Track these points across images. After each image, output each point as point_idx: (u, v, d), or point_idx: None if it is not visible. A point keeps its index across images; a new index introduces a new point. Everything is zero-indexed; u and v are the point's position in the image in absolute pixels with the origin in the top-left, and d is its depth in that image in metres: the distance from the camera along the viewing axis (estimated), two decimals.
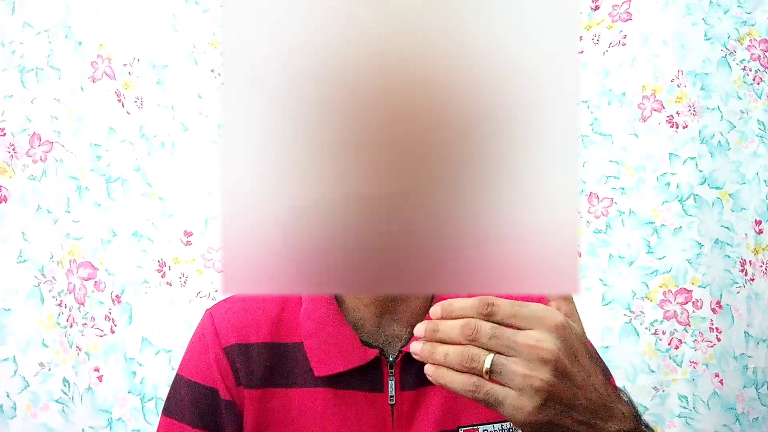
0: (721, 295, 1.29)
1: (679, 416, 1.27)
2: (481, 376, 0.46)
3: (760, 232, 1.32)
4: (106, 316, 1.24)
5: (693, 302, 1.28)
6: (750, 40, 1.36)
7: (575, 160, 0.48)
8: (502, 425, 0.66)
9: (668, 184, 1.32)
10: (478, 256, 0.47)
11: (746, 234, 1.31)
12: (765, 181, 1.33)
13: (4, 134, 1.21)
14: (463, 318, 0.47)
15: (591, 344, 0.72)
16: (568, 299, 0.52)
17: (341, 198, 0.46)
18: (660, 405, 1.27)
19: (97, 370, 1.22)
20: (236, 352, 0.67)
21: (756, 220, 1.32)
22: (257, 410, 0.65)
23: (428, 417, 0.65)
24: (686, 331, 1.28)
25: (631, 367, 1.28)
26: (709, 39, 1.35)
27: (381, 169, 0.46)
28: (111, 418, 1.21)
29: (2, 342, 1.16)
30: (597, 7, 1.40)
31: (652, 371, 1.28)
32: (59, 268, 1.22)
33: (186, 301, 1.28)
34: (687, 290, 1.29)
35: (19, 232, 1.20)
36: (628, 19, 1.37)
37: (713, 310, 1.28)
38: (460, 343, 0.47)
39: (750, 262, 1.31)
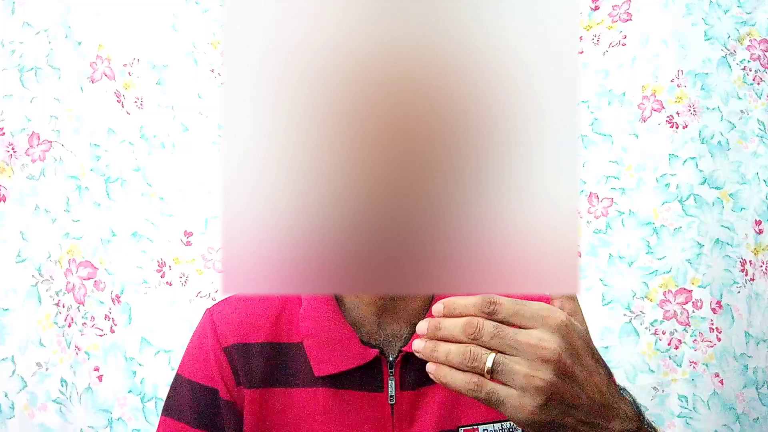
0: (721, 295, 1.29)
1: (678, 416, 1.27)
2: (482, 375, 0.46)
3: (760, 232, 1.32)
4: (106, 315, 1.24)
5: (693, 302, 1.28)
6: (750, 40, 1.36)
7: (575, 160, 0.48)
8: (502, 425, 0.66)
9: (668, 184, 1.32)
10: (478, 256, 0.47)
11: (746, 234, 1.31)
12: (765, 181, 1.33)
13: (3, 134, 1.21)
14: (465, 316, 0.47)
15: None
16: (572, 298, 0.52)
17: (341, 198, 0.46)
18: (660, 405, 1.27)
19: (97, 369, 1.22)
20: (236, 352, 0.67)
21: (756, 220, 1.32)
22: (257, 410, 0.65)
23: (428, 417, 0.65)
24: (686, 331, 1.28)
25: (631, 367, 1.28)
26: (709, 39, 1.35)
27: (381, 169, 0.46)
28: (111, 418, 1.21)
29: (1, 342, 1.16)
30: (597, 8, 1.40)
31: (652, 371, 1.28)
32: (57, 267, 1.22)
33: (186, 301, 1.28)
34: (687, 290, 1.29)
35: (17, 231, 1.20)
36: (628, 20, 1.37)
37: (713, 310, 1.28)
38: (462, 342, 0.47)
39: (750, 262, 1.31)
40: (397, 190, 0.46)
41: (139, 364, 1.24)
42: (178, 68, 1.34)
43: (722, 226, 1.31)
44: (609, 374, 0.51)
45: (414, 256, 0.47)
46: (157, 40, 1.33)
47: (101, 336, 1.23)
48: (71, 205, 1.24)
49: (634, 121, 1.35)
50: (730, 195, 1.32)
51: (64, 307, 1.21)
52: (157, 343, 1.25)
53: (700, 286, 1.28)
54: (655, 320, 1.29)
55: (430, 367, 0.48)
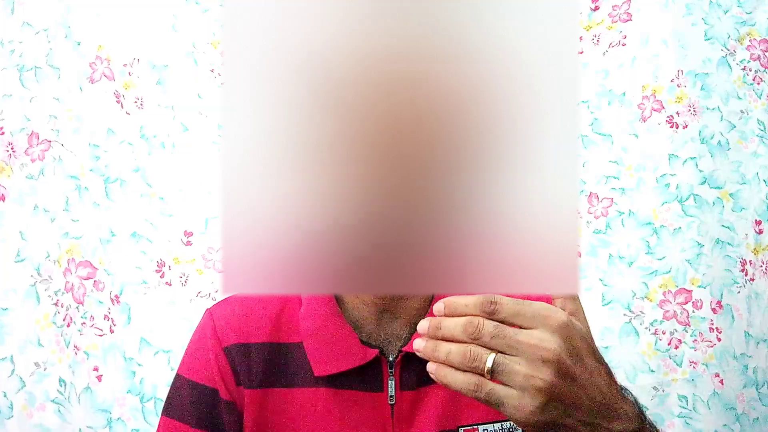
0: (721, 295, 1.29)
1: (678, 416, 1.27)
2: (482, 375, 0.46)
3: (761, 232, 1.32)
4: (105, 316, 1.24)
5: (693, 302, 1.28)
6: (750, 40, 1.36)
7: (575, 160, 0.48)
8: (502, 425, 0.66)
9: (668, 184, 1.32)
10: (478, 256, 0.47)
11: (746, 234, 1.31)
12: (765, 181, 1.33)
13: (3, 133, 1.21)
14: (466, 315, 0.47)
15: None
16: (574, 298, 0.52)
17: (341, 198, 0.46)
18: (660, 405, 1.27)
19: (96, 369, 1.22)
20: (236, 352, 0.67)
21: (756, 220, 1.32)
22: (257, 410, 0.65)
23: (428, 416, 0.65)
24: (686, 331, 1.28)
25: (631, 367, 1.28)
26: (709, 39, 1.35)
27: (381, 169, 0.46)
28: (110, 418, 1.21)
29: (0, 342, 1.16)
30: (597, 8, 1.40)
31: (652, 371, 1.28)
32: (56, 267, 1.22)
33: (186, 300, 1.28)
34: (687, 290, 1.29)
35: (17, 231, 1.20)
36: (628, 20, 1.37)
37: (713, 310, 1.28)
38: (462, 341, 0.47)
39: (750, 261, 1.31)
40: (396, 190, 0.46)
41: (139, 365, 1.24)
42: (178, 68, 1.34)
43: (722, 226, 1.31)
44: (610, 374, 0.50)
45: (414, 256, 0.47)
46: (157, 40, 1.33)
47: (101, 336, 1.23)
48: (70, 204, 1.24)
49: (634, 121, 1.35)
50: (730, 195, 1.32)
51: (62, 306, 1.21)
52: (157, 344, 1.25)
53: (700, 286, 1.28)
54: (655, 320, 1.29)
55: (430, 367, 0.48)
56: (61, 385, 1.19)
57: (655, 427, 0.54)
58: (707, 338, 1.27)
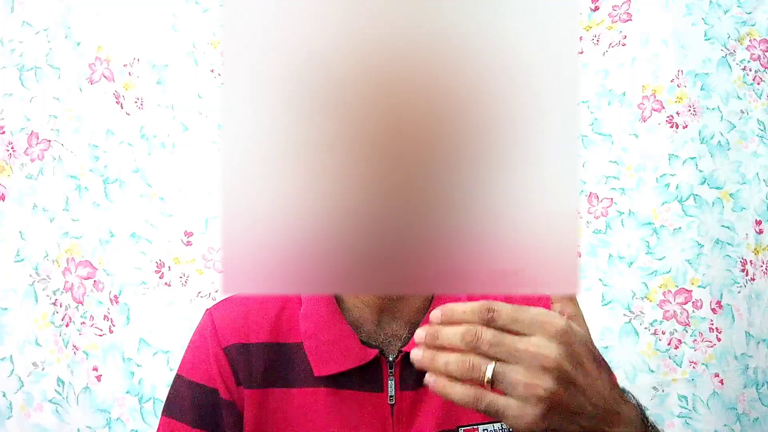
0: (721, 295, 1.29)
1: (678, 416, 1.27)
2: (482, 385, 0.45)
3: (761, 232, 1.32)
4: (105, 315, 1.24)
5: (693, 302, 1.28)
6: (750, 40, 1.36)
7: (575, 160, 0.48)
8: (501, 425, 0.66)
9: (668, 184, 1.32)
10: (478, 256, 0.47)
11: (747, 234, 1.31)
12: (765, 181, 1.33)
13: (4, 132, 1.21)
14: (463, 323, 0.47)
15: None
16: (572, 301, 0.51)
17: (341, 198, 0.46)
18: (659, 405, 1.27)
19: (95, 369, 1.22)
20: (236, 352, 0.67)
21: (756, 219, 1.32)
22: (257, 410, 0.65)
23: (428, 416, 0.65)
24: (686, 331, 1.28)
25: (631, 367, 1.28)
26: (709, 39, 1.35)
27: (381, 169, 0.46)
28: (110, 418, 1.21)
29: (0, 342, 1.16)
30: (597, 8, 1.40)
31: (652, 371, 1.28)
32: (54, 266, 1.21)
33: (186, 301, 1.28)
34: (687, 290, 1.29)
35: (16, 231, 1.20)
36: (627, 20, 1.37)
37: (713, 310, 1.28)
38: (460, 350, 0.46)
39: (751, 261, 1.31)
40: (396, 190, 0.46)
41: (138, 365, 1.24)
42: (178, 68, 1.34)
43: (722, 226, 1.31)
44: (611, 377, 0.50)
45: (414, 256, 0.47)
46: (157, 40, 1.33)
47: (100, 336, 1.23)
48: (70, 204, 1.24)
49: (634, 121, 1.35)
50: (730, 195, 1.32)
51: (61, 306, 1.21)
52: (156, 344, 1.25)
53: (699, 286, 1.28)
54: (655, 320, 1.29)
55: (428, 378, 0.47)
56: (59, 385, 1.19)
57: (657, 429, 0.54)
58: (707, 338, 1.27)
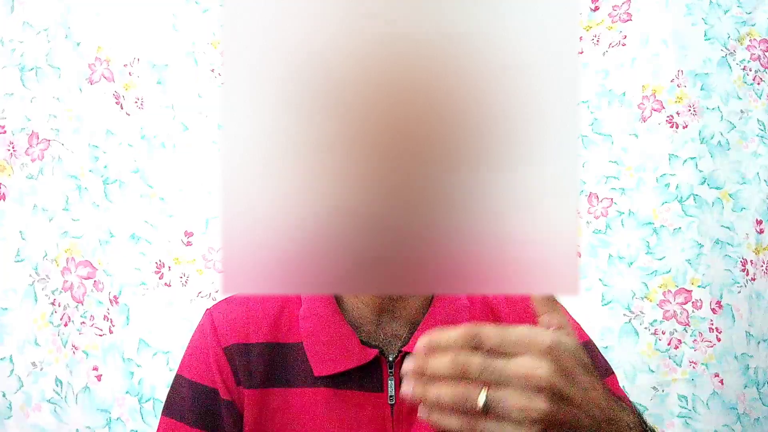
0: (721, 295, 1.29)
1: (678, 416, 1.27)
2: (476, 414, 0.44)
3: (761, 231, 1.32)
4: (104, 316, 1.24)
5: (693, 302, 1.28)
6: (750, 40, 1.36)
7: (575, 160, 0.48)
8: None
9: (668, 184, 1.32)
10: (477, 256, 0.47)
11: (747, 234, 1.31)
12: (765, 181, 1.33)
13: (4, 132, 1.21)
14: (450, 351, 0.46)
15: (591, 341, 0.72)
16: (558, 311, 0.51)
17: (341, 198, 0.46)
18: (659, 405, 1.27)
19: (96, 369, 1.22)
20: (236, 352, 0.67)
21: (757, 219, 1.32)
22: (257, 410, 0.65)
23: None
24: (686, 331, 1.28)
25: (631, 367, 1.28)
26: (709, 39, 1.35)
27: (381, 169, 0.46)
28: (110, 418, 1.21)
29: (0, 342, 1.16)
30: (597, 8, 1.40)
31: (652, 371, 1.28)
32: (53, 266, 1.21)
33: (186, 301, 1.28)
34: (686, 290, 1.29)
35: (16, 230, 1.20)
36: (628, 20, 1.37)
37: (713, 310, 1.28)
38: (451, 380, 0.45)
39: (751, 261, 1.31)
40: (396, 190, 0.46)
41: (137, 365, 1.24)
42: (178, 68, 1.34)
43: (722, 226, 1.31)
44: (605, 386, 0.49)
45: (414, 256, 0.47)
46: (157, 40, 1.33)
47: (101, 336, 1.23)
48: (70, 204, 1.24)
49: (634, 121, 1.35)
50: (730, 195, 1.32)
51: (60, 306, 1.21)
52: (155, 345, 1.25)
53: (699, 286, 1.28)
54: (655, 320, 1.29)
55: (422, 413, 0.46)
56: (57, 385, 1.19)
57: (655, 431, 0.54)
58: (707, 338, 1.28)
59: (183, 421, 0.66)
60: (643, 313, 1.30)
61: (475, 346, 0.45)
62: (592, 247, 1.33)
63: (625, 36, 1.37)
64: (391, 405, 0.65)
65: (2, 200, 1.20)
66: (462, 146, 0.46)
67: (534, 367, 0.44)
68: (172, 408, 0.68)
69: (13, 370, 1.16)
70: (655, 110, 1.34)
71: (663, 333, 1.29)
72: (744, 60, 1.35)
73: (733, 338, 1.28)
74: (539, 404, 0.44)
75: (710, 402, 1.26)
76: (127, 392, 1.22)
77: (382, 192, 0.46)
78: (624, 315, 1.30)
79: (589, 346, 0.72)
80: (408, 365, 0.47)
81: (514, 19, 0.46)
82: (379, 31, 0.46)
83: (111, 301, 1.25)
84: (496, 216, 0.47)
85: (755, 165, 1.34)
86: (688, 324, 1.28)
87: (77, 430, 1.19)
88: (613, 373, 0.72)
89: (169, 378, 0.71)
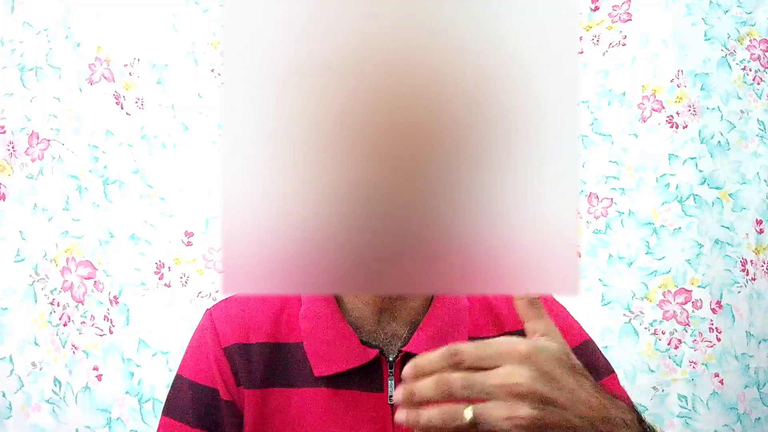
0: (721, 295, 1.29)
1: (678, 416, 1.27)
2: (467, 429, 0.45)
3: (761, 231, 1.32)
4: (104, 316, 1.24)
5: (692, 302, 1.28)
6: (750, 40, 1.36)
7: (575, 160, 0.48)
8: None
9: (668, 184, 1.32)
10: (477, 256, 0.47)
11: (747, 234, 1.31)
12: (765, 181, 1.33)
13: (4, 132, 1.21)
14: (433, 373, 0.46)
15: (591, 341, 0.72)
16: (541, 317, 0.51)
17: (341, 198, 0.46)
18: (659, 405, 1.27)
19: (96, 369, 1.22)
20: (236, 352, 0.67)
21: (757, 219, 1.32)
22: (257, 410, 0.65)
23: None
24: (686, 331, 1.28)
25: (631, 367, 1.28)
26: (709, 39, 1.35)
27: (381, 169, 0.46)
28: (110, 418, 1.21)
29: (0, 342, 1.16)
30: (597, 8, 1.40)
31: (652, 371, 1.28)
32: (53, 266, 1.21)
33: (186, 301, 1.28)
34: (686, 290, 1.29)
35: (16, 230, 1.20)
36: (627, 20, 1.37)
37: (713, 310, 1.28)
38: (438, 401, 0.46)
39: (751, 261, 1.31)
40: (396, 190, 0.46)
41: (137, 366, 1.24)
42: (178, 68, 1.34)
43: (722, 226, 1.31)
44: (596, 385, 0.49)
45: (414, 256, 0.47)
46: (157, 40, 1.33)
47: (101, 336, 1.23)
48: (70, 204, 1.24)
49: (634, 121, 1.35)
50: (730, 195, 1.32)
51: (59, 305, 1.21)
52: (155, 345, 1.25)
53: (699, 286, 1.28)
54: (655, 320, 1.29)
55: None
56: (56, 385, 1.19)
57: (653, 429, 0.54)
58: (707, 338, 1.27)
59: (183, 421, 0.66)
60: (642, 313, 1.29)
61: (456, 363, 0.46)
62: (592, 247, 1.33)
63: (625, 36, 1.37)
64: (391, 405, 0.65)
65: (2, 200, 1.20)
66: (462, 146, 0.46)
67: (513, 374, 0.45)
68: (172, 408, 0.68)
69: (12, 370, 1.16)
70: (655, 110, 1.34)
71: (663, 333, 1.28)
72: (744, 60, 1.35)
73: (733, 338, 1.28)
74: (524, 411, 0.44)
75: (710, 402, 1.26)
76: (127, 392, 1.22)
77: (382, 192, 0.46)
78: (624, 315, 1.30)
79: (588, 346, 0.72)
80: (398, 394, 0.47)
81: (514, 19, 0.46)
82: (379, 31, 0.46)
83: (111, 301, 1.25)
84: (496, 216, 0.47)
85: (755, 165, 1.33)
86: (688, 324, 1.28)
87: (77, 430, 1.19)
88: (613, 372, 0.72)
89: (169, 378, 0.71)
